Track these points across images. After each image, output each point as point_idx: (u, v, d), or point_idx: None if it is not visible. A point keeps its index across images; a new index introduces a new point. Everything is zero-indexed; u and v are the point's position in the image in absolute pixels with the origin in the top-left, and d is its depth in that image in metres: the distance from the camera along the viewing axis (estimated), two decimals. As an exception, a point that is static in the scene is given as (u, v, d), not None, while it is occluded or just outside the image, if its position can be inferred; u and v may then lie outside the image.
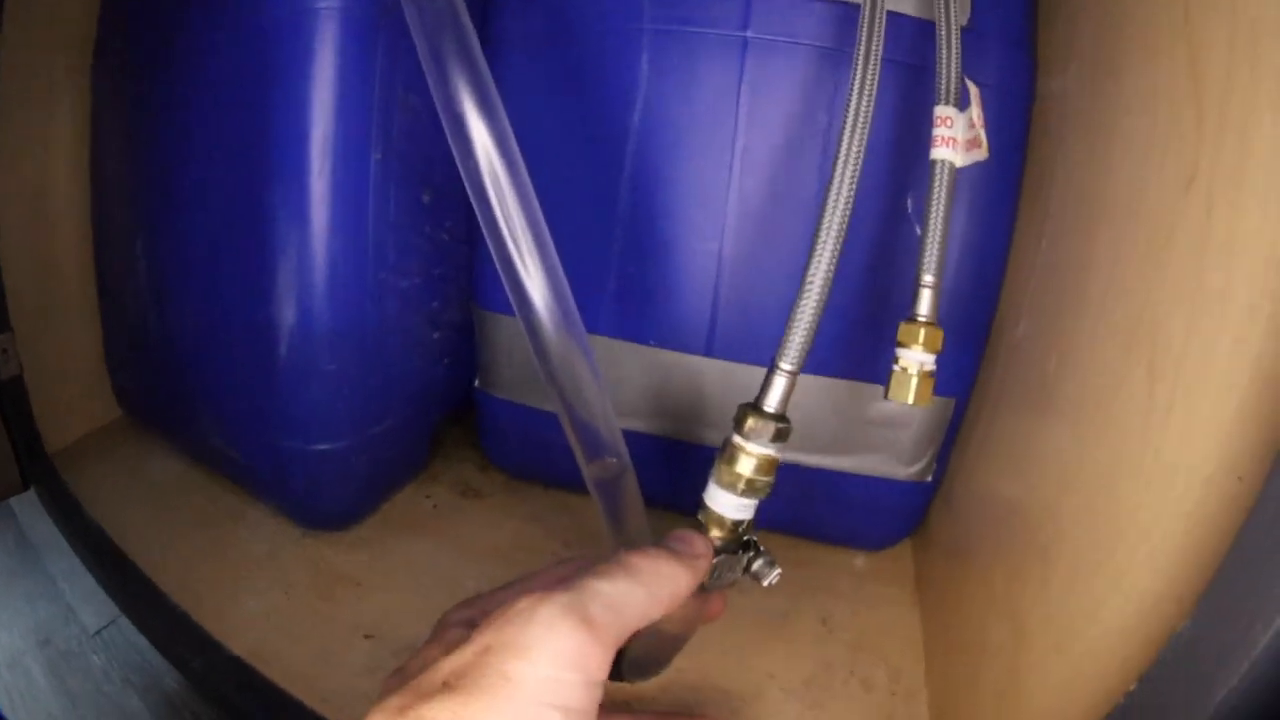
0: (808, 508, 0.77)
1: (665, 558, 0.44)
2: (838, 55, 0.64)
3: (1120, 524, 0.42)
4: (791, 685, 0.66)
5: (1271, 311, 0.34)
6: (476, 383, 0.85)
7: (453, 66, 0.42)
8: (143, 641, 0.77)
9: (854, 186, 0.48)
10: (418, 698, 0.35)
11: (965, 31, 0.57)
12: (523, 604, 0.38)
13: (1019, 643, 0.51)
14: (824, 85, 0.64)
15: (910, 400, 0.53)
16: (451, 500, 0.89)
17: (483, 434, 0.90)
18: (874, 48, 0.51)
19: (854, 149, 0.48)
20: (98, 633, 0.84)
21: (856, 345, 0.68)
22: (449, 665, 0.37)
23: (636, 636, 0.56)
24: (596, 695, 0.38)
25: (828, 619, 0.73)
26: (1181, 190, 0.42)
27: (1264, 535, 0.30)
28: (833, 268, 0.47)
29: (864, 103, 0.49)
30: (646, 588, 0.42)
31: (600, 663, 0.38)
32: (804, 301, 0.47)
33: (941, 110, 0.53)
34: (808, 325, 0.47)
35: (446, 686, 0.35)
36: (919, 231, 0.53)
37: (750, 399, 0.49)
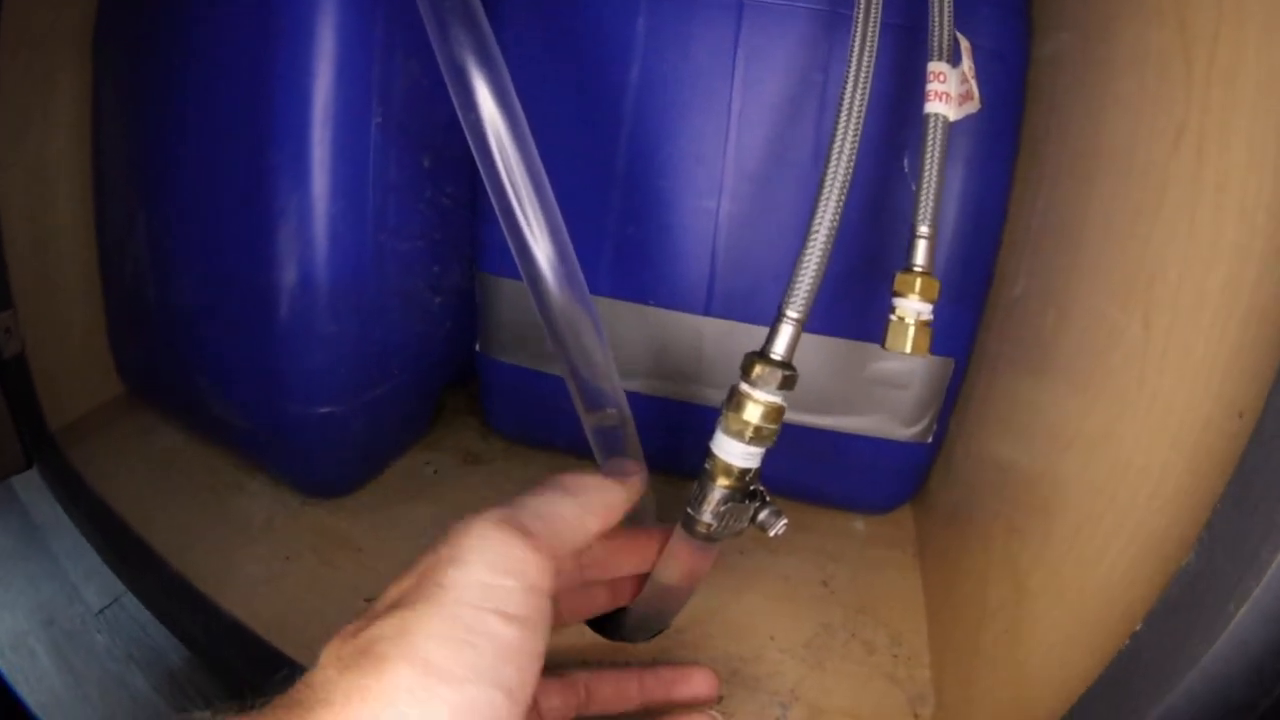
0: (808, 469, 0.78)
1: (593, 474, 0.47)
2: (832, 17, 0.64)
3: (1121, 471, 0.42)
4: (792, 647, 0.66)
5: (1262, 249, 0.34)
6: (478, 346, 0.86)
7: (453, 19, 0.42)
8: (146, 618, 0.78)
9: (859, 130, 0.48)
10: (369, 619, 0.36)
11: (961, -3, 0.57)
12: (460, 523, 0.40)
13: (1020, 600, 0.51)
14: (819, 46, 0.65)
15: (907, 349, 0.53)
16: (452, 466, 0.89)
17: (484, 398, 0.90)
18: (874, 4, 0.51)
19: (858, 95, 0.48)
20: (101, 611, 0.84)
21: (855, 303, 0.68)
22: (396, 588, 0.38)
23: (639, 588, 0.57)
24: (541, 605, 0.38)
25: (829, 581, 0.73)
26: (1172, 142, 0.43)
27: (1265, 460, 0.31)
28: (838, 215, 0.47)
29: (865, 56, 0.49)
30: (575, 498, 0.44)
31: (539, 569, 0.39)
32: (810, 248, 0.47)
33: (934, 66, 0.54)
34: (814, 272, 0.47)
35: (393, 605, 0.36)
36: (914, 187, 0.54)
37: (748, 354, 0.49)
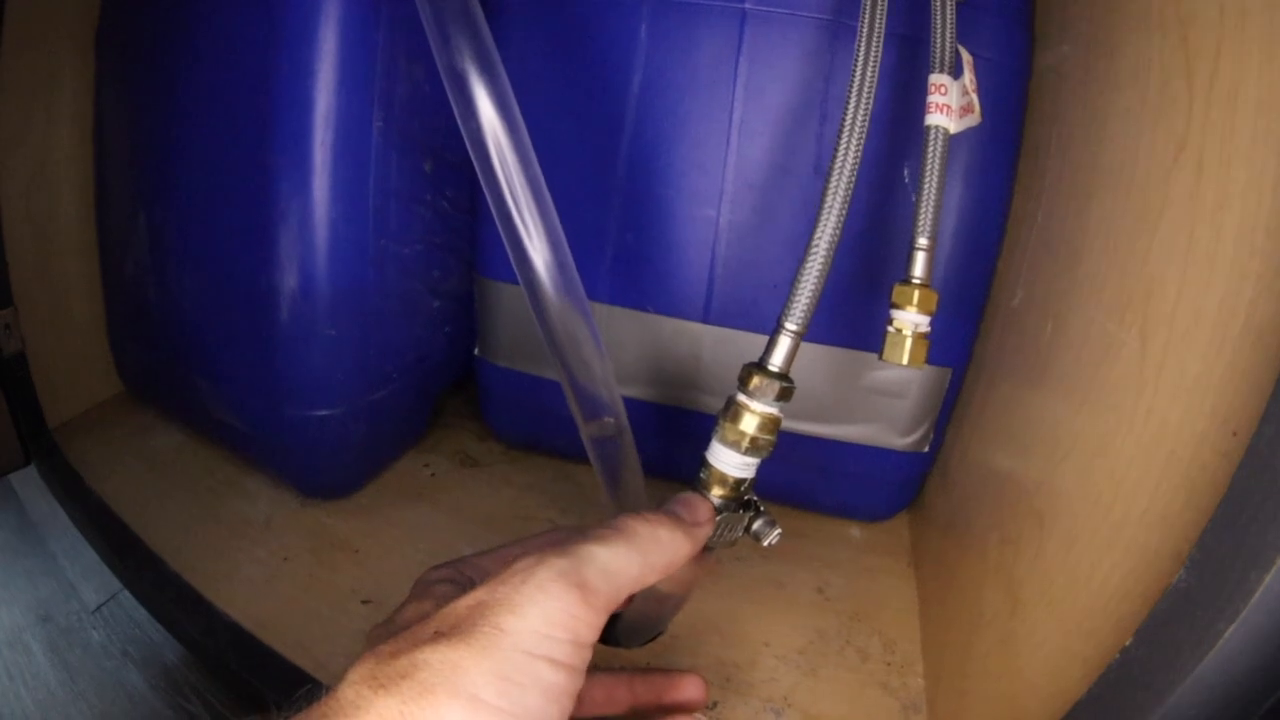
0: (805, 477, 0.78)
1: (665, 524, 0.45)
2: (835, 26, 0.64)
3: (1115, 485, 0.43)
4: (787, 653, 0.66)
5: (1259, 269, 0.34)
6: (476, 350, 0.86)
7: (455, 27, 0.42)
8: (142, 616, 0.78)
9: (861, 145, 0.48)
10: (410, 644, 0.35)
11: (964, 6, 0.57)
12: (520, 565, 0.39)
13: (1014, 609, 0.51)
14: (821, 56, 0.65)
15: (904, 361, 0.53)
16: (450, 469, 0.90)
17: (482, 402, 0.90)
18: (878, 14, 0.51)
19: (861, 108, 0.48)
20: (97, 609, 0.84)
21: (853, 314, 0.68)
22: (442, 616, 0.37)
23: (630, 600, 0.56)
24: (585, 657, 0.39)
25: (824, 588, 0.74)
26: (1172, 158, 0.43)
27: (1257, 481, 0.31)
28: (839, 230, 0.47)
29: (869, 68, 0.49)
30: (643, 554, 0.42)
31: (590, 627, 0.39)
32: (810, 262, 0.47)
33: (936, 78, 0.54)
34: (813, 286, 0.47)
35: (439, 634, 0.36)
36: (914, 199, 0.54)
37: (746, 365, 0.49)
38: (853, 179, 0.47)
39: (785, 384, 0.47)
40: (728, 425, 0.48)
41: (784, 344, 0.47)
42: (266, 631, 0.65)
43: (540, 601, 0.37)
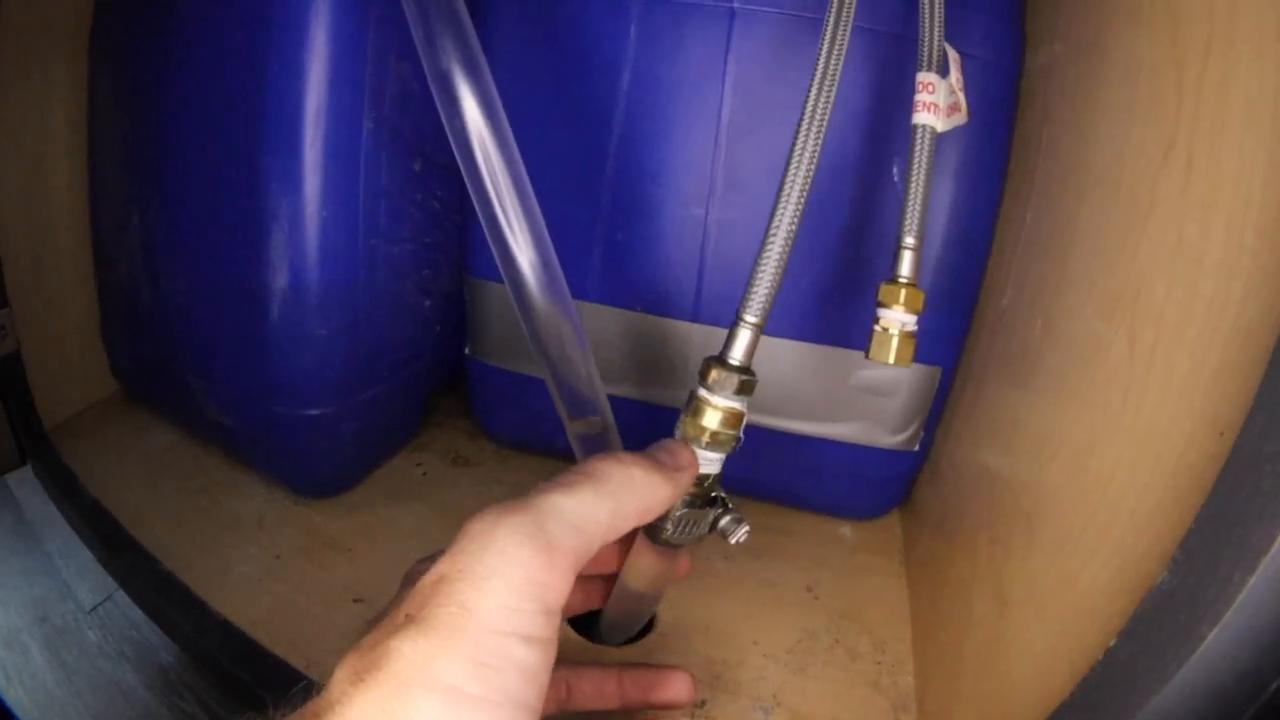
0: (795, 476, 0.78)
1: (640, 465, 0.43)
2: (822, 25, 0.64)
3: (1103, 486, 0.42)
4: (776, 652, 0.66)
5: (1249, 267, 0.34)
6: (467, 349, 0.86)
7: (439, 27, 0.42)
8: (138, 616, 0.78)
9: (820, 136, 0.47)
10: (385, 632, 0.34)
11: (954, 5, 0.57)
12: (478, 527, 0.37)
13: (1003, 609, 0.51)
14: (809, 54, 0.64)
15: (890, 360, 0.53)
16: (442, 468, 0.90)
17: (473, 401, 0.90)
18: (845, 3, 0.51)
19: (822, 98, 0.48)
20: (94, 609, 0.84)
21: (841, 311, 0.68)
22: (410, 597, 0.36)
23: (604, 593, 0.56)
24: (555, 623, 0.37)
25: (814, 587, 0.74)
26: (1162, 156, 0.43)
27: (1242, 481, 0.31)
28: (796, 221, 0.46)
29: (834, 59, 0.49)
30: (614, 498, 0.40)
31: (558, 591, 0.37)
32: (766, 253, 0.46)
33: (923, 76, 0.54)
34: (771, 277, 0.46)
35: (409, 618, 0.34)
36: (902, 197, 0.54)
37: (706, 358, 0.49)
38: (811, 170, 0.47)
39: (745, 377, 0.46)
40: (689, 420, 0.47)
41: (743, 336, 0.47)
42: (259, 630, 0.66)
43: (503, 571, 0.35)
